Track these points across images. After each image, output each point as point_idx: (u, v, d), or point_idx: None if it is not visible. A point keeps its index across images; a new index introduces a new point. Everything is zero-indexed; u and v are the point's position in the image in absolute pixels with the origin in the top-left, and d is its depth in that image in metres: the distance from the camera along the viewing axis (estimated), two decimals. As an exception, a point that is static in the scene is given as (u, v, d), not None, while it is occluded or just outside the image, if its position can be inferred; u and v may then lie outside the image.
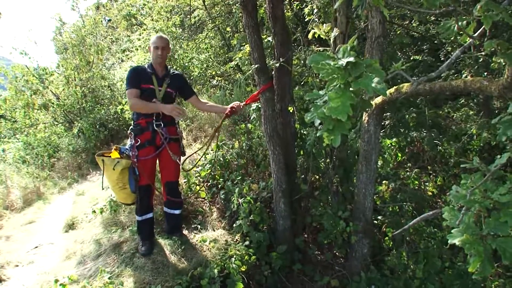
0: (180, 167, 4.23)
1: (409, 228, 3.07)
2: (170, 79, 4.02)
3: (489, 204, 1.52)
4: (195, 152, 5.38)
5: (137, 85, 3.84)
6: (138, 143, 3.89)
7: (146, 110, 3.88)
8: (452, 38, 5.77)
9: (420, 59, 7.15)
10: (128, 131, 4.01)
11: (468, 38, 1.67)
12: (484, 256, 1.44)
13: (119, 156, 3.86)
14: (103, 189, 4.21)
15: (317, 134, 1.60)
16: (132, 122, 4.05)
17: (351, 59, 1.42)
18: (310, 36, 2.38)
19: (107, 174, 3.89)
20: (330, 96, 1.42)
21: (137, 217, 4.08)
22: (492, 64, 5.40)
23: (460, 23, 1.61)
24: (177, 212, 4.29)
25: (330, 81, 1.46)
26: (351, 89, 1.40)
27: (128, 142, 3.96)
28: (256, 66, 4.14)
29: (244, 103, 4.36)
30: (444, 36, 1.70)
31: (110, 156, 3.90)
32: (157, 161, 4.16)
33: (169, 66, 4.17)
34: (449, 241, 1.57)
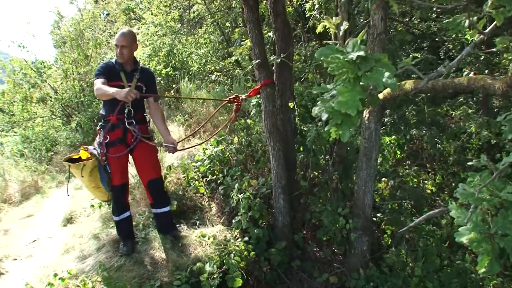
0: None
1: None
2: (139, 73, 3.80)
3: (497, 202, 1.51)
4: (193, 147, 5.32)
5: (106, 77, 3.61)
6: (108, 140, 3.69)
7: (106, 96, 3.53)
8: (453, 36, 5.79)
9: (420, 56, 7.13)
10: (97, 128, 3.79)
11: (477, 35, 1.66)
12: (492, 254, 1.43)
13: (88, 155, 3.77)
14: (68, 195, 4.30)
15: (325, 129, 1.59)
16: (102, 118, 3.82)
17: (361, 53, 1.40)
18: (319, 29, 2.35)
19: (78, 178, 3.82)
20: (339, 90, 1.40)
21: (114, 218, 4.00)
22: (503, 61, 5.39)
23: (471, 19, 1.60)
24: (166, 209, 4.15)
25: (339, 75, 1.44)
26: (360, 83, 1.39)
27: (97, 139, 3.78)
28: (257, 61, 4.12)
29: (246, 95, 4.33)
30: (454, 31, 1.68)
31: (77, 159, 3.83)
32: (134, 162, 4.00)
33: (138, 61, 3.95)
34: (456, 239, 1.56)
